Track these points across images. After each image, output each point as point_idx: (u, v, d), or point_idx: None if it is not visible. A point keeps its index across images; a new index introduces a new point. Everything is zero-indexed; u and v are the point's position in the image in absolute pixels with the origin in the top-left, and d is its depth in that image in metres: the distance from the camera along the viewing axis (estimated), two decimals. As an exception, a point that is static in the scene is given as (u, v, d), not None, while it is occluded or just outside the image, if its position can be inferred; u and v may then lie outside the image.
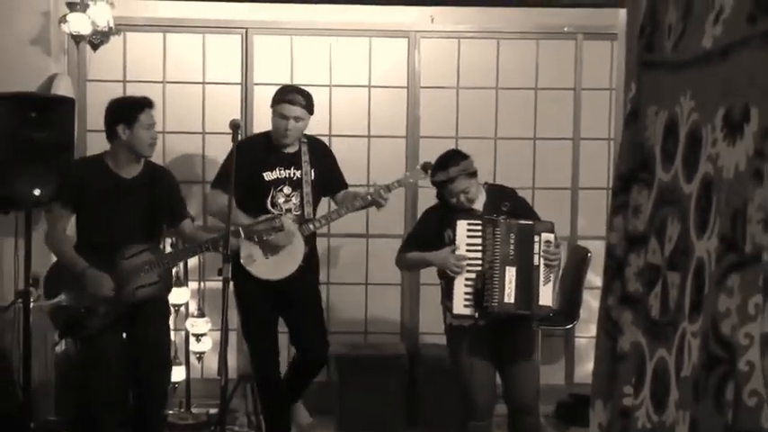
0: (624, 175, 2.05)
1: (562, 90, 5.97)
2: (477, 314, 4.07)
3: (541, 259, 4.04)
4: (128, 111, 4.28)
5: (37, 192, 4.93)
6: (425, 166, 5.02)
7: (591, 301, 5.45)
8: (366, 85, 5.93)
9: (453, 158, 4.26)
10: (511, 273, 4.04)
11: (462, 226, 4.09)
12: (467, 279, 4.08)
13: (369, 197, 4.83)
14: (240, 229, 4.21)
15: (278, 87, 4.89)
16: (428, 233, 4.28)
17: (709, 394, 1.55)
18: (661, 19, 1.95)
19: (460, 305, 4.10)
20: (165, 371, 4.58)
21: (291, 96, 4.70)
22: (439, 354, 5.68)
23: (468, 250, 4.07)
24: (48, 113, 5.05)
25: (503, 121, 5.95)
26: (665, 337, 1.83)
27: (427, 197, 5.78)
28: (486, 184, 4.40)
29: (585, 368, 5.80)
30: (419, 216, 4.68)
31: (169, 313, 4.70)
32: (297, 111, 4.71)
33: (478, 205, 4.23)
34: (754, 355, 1.46)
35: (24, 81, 5.32)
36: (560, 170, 5.93)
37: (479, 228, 4.08)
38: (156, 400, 4.49)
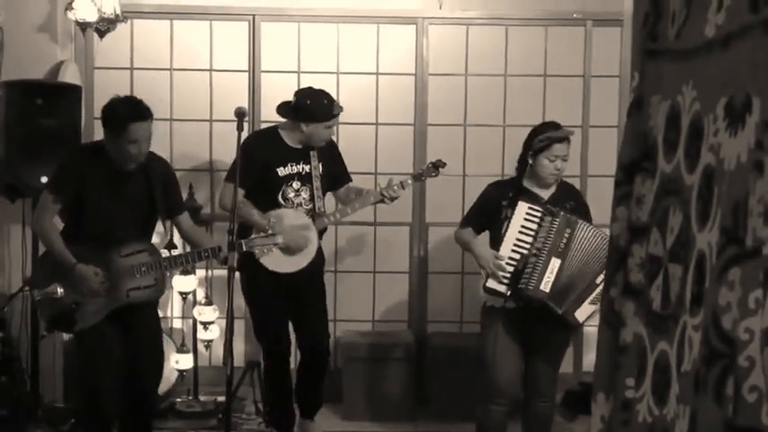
0: (626, 166, 2.02)
1: (571, 77, 5.92)
2: (508, 292, 4.11)
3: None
4: (114, 121, 3.99)
5: (44, 179, 4.91)
6: (437, 164, 5.01)
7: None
8: (374, 72, 5.90)
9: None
10: (555, 264, 4.06)
11: (523, 207, 4.10)
12: (510, 258, 4.09)
13: (382, 193, 4.83)
14: (242, 242, 4.19)
15: (311, 98, 4.71)
16: (489, 206, 4.29)
17: (709, 389, 1.53)
18: (665, 6, 1.92)
19: (495, 280, 4.13)
20: (158, 360, 4.40)
21: (339, 110, 4.74)
22: (447, 342, 5.70)
23: (520, 232, 4.09)
24: (55, 101, 5.06)
25: (511, 108, 5.91)
26: (666, 329, 1.81)
27: (435, 187, 5.77)
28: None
29: (594, 357, 5.76)
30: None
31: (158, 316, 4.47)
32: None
33: (546, 196, 4.24)
34: (755, 351, 1.44)
35: (31, 68, 5.33)
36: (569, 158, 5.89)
37: (538, 215, 4.09)
38: (150, 390, 4.37)
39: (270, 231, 4.30)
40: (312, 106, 4.69)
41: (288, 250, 4.63)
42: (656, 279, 1.89)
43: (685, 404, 1.66)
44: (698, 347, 1.61)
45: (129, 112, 3.99)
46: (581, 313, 4.10)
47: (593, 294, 4.05)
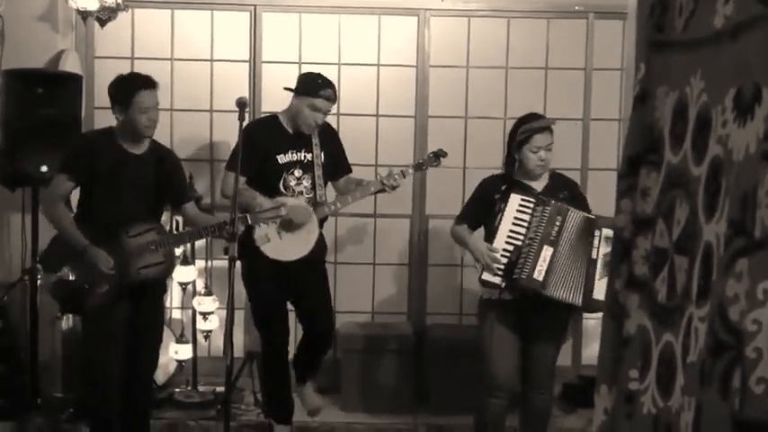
0: (632, 158, 2.01)
1: (573, 70, 5.91)
2: (503, 284, 4.10)
3: (600, 254, 4.04)
4: (122, 93, 4.16)
5: (44, 169, 4.92)
6: (439, 153, 5.01)
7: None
8: (375, 64, 5.89)
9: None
10: (547, 252, 4.06)
11: (515, 200, 4.11)
12: (504, 250, 4.10)
13: (383, 182, 4.82)
14: (248, 216, 4.19)
15: (306, 74, 4.83)
16: (483, 200, 4.29)
17: (715, 381, 1.52)
18: (671, -2, 1.91)
19: (490, 273, 4.12)
20: (157, 352, 4.47)
21: (329, 93, 4.69)
22: (446, 334, 5.69)
23: (513, 223, 4.10)
24: (55, 90, 5.04)
25: (512, 100, 5.90)
26: (671, 321, 1.81)
27: (435, 179, 5.77)
28: (552, 170, 4.37)
29: (593, 350, 5.77)
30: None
31: (165, 292, 4.56)
32: (331, 106, 4.77)
33: (538, 187, 4.23)
34: (762, 342, 1.43)
35: (32, 57, 5.32)
36: (570, 151, 5.88)
37: (531, 206, 4.10)
38: (146, 381, 4.45)
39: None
40: (303, 79, 4.78)
41: (286, 231, 4.62)
42: (661, 271, 1.88)
43: (691, 396, 1.66)
44: (704, 339, 1.60)
45: (135, 82, 4.18)
46: (598, 292, 3.96)
47: (598, 270, 4.03)
